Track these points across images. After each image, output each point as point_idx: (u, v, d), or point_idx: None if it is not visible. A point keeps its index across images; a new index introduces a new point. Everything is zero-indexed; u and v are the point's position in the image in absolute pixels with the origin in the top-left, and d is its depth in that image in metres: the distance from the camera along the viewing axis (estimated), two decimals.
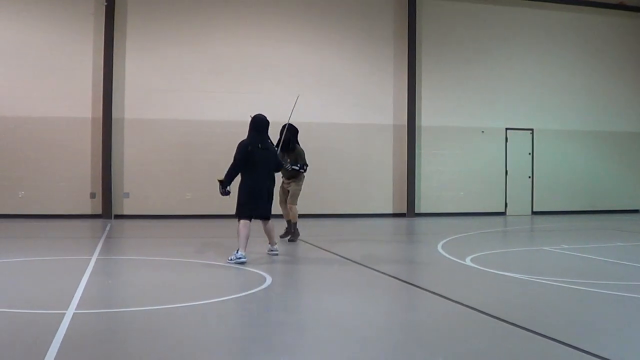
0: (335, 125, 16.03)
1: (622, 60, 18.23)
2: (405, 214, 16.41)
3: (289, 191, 10.40)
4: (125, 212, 14.88)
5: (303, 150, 10.35)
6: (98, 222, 13.97)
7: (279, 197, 10.40)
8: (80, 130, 14.68)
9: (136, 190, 14.96)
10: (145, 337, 4.59)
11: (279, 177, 9.96)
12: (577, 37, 17.85)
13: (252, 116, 8.62)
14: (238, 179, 8.41)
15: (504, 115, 17.19)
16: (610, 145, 18.10)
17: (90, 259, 8.25)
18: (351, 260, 8.44)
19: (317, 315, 5.36)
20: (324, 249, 9.62)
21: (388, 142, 16.46)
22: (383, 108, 16.41)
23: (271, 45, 15.69)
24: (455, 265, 8.18)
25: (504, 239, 12.51)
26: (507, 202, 17.27)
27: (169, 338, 4.54)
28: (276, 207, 9.37)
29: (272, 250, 8.76)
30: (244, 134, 8.76)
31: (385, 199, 16.44)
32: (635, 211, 18.04)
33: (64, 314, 5.04)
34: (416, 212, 16.44)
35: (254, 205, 8.27)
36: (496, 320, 5.10)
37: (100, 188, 14.68)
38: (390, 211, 16.44)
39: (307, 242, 10.45)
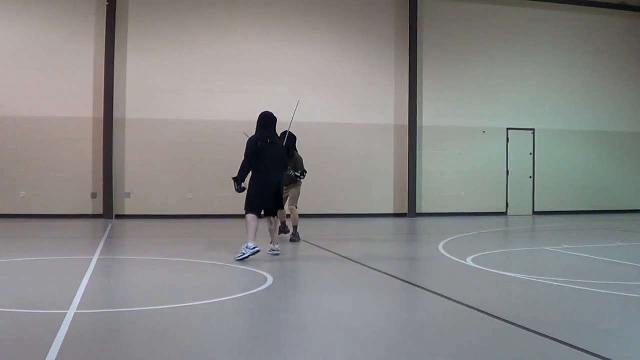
0: (336, 125, 16.03)
1: (623, 60, 18.22)
2: (406, 214, 16.41)
3: (287, 197, 10.42)
4: (127, 212, 14.90)
5: (301, 158, 10.44)
6: (99, 222, 13.98)
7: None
8: (81, 130, 14.69)
9: (137, 190, 14.97)
10: (147, 337, 4.59)
11: None
12: (578, 37, 17.85)
13: (260, 113, 8.74)
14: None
15: (505, 116, 17.19)
16: (612, 145, 18.09)
17: (92, 259, 8.25)
18: (352, 260, 8.44)
19: (318, 315, 5.36)
20: (325, 249, 9.62)
21: (389, 142, 16.46)
22: (384, 108, 16.41)
23: (272, 45, 15.70)
24: (457, 265, 8.18)
25: (505, 239, 12.50)
26: (509, 202, 17.26)
27: (170, 338, 4.54)
28: None
29: (273, 250, 8.78)
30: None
31: (386, 199, 16.44)
32: (637, 211, 18.02)
33: (65, 314, 5.04)
34: (417, 212, 16.44)
35: (265, 199, 8.44)
36: (497, 320, 5.10)
37: (102, 188, 14.70)
38: (391, 211, 16.45)
39: (308, 242, 10.45)
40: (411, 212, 16.39)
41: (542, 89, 17.45)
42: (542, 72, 17.45)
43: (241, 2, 15.64)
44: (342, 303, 5.79)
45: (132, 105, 14.95)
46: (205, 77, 15.34)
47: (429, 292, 6.40)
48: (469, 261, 8.34)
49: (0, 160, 14.29)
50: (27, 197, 14.42)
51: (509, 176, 17.27)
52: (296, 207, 10.48)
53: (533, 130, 17.46)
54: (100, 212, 14.73)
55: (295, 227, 10.55)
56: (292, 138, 10.29)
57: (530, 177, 17.46)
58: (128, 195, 14.95)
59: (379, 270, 7.60)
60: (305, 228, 11.47)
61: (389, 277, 7.29)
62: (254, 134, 8.54)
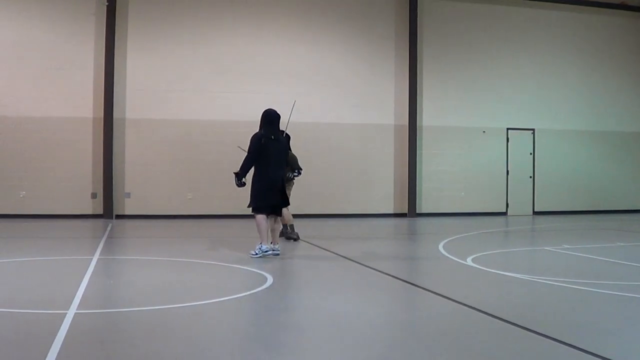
0: (336, 125, 16.03)
1: (623, 60, 18.22)
2: (406, 214, 16.41)
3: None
4: (127, 212, 14.90)
5: (295, 156, 10.47)
6: (99, 222, 13.98)
7: None
8: (81, 130, 14.69)
9: (137, 190, 14.97)
10: (146, 337, 4.59)
11: None
12: (578, 37, 17.84)
13: (264, 110, 8.83)
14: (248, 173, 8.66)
15: (505, 115, 17.19)
16: (612, 145, 18.09)
17: (92, 259, 8.25)
18: (352, 260, 8.44)
19: (318, 315, 5.35)
20: (325, 249, 9.62)
21: (389, 142, 16.46)
22: (384, 108, 16.41)
23: (272, 45, 15.69)
24: (457, 265, 8.18)
25: (505, 239, 12.50)
26: (509, 202, 17.26)
27: (170, 338, 4.54)
28: None
29: (273, 250, 8.78)
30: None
31: (386, 199, 16.44)
32: (637, 211, 18.02)
33: (65, 314, 5.04)
34: (417, 212, 16.44)
35: (269, 195, 8.54)
36: (497, 320, 5.10)
37: (102, 188, 14.70)
38: (391, 211, 16.44)
39: (308, 242, 10.45)
40: (411, 212, 16.39)
41: (542, 89, 17.45)
42: (542, 72, 17.45)
43: (241, 2, 15.64)
44: (342, 303, 5.79)
45: (132, 105, 14.95)
46: (205, 77, 15.34)
47: (429, 292, 6.40)
48: (469, 261, 8.33)
49: (0, 160, 14.29)
50: (27, 197, 14.42)
51: (509, 176, 17.27)
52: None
53: (533, 130, 17.46)
54: (100, 212, 14.73)
55: (291, 227, 10.58)
56: (287, 137, 10.33)
57: (530, 177, 17.46)
58: (128, 195, 14.95)
59: (379, 270, 7.60)
60: (305, 228, 11.47)
61: (389, 277, 7.29)
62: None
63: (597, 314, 5.44)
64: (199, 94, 15.27)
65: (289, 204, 9.41)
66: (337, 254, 9.09)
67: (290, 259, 8.72)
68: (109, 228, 12.70)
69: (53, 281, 6.85)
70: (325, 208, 15.79)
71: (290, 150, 10.51)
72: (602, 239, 11.52)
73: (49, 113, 14.49)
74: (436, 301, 6.00)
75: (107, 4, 14.58)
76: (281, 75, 15.61)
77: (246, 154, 8.60)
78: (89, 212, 14.73)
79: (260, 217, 8.51)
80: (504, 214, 17.17)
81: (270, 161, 8.54)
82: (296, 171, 10.31)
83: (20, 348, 4.20)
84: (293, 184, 10.63)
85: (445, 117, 16.77)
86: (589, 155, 17.91)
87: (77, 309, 5.24)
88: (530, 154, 17.47)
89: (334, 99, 16.06)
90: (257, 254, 8.51)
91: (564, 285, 6.65)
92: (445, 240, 10.74)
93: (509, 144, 17.28)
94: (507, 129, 17.25)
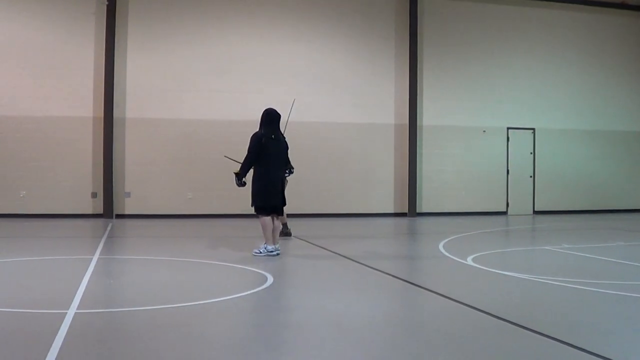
0: (336, 124, 16.03)
1: (623, 59, 18.22)
2: (406, 213, 16.41)
3: None
4: (127, 212, 14.90)
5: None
6: (99, 222, 13.98)
7: None
8: (81, 130, 14.69)
9: (137, 190, 14.97)
10: (147, 336, 4.59)
11: None
12: (579, 36, 17.84)
13: (264, 110, 8.85)
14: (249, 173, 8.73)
15: (505, 115, 17.18)
16: (612, 145, 18.09)
17: (92, 258, 8.25)
18: (352, 260, 8.44)
19: (318, 315, 5.35)
20: (325, 249, 9.62)
21: (389, 141, 16.46)
22: (384, 107, 16.41)
23: (272, 45, 15.69)
24: (457, 265, 8.18)
25: (506, 239, 12.50)
26: (509, 201, 17.26)
27: (170, 337, 4.54)
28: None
29: (276, 250, 8.79)
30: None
31: (386, 198, 16.44)
32: (637, 210, 18.02)
33: (65, 313, 5.04)
34: (417, 211, 16.44)
35: (271, 195, 8.60)
36: (497, 319, 5.10)
37: (102, 188, 14.69)
38: (391, 210, 16.44)
39: (308, 242, 10.46)
40: (411, 211, 16.39)
41: (543, 88, 17.45)
42: (542, 71, 17.45)
43: (241, 2, 15.63)
44: (342, 303, 5.78)
45: (132, 105, 14.95)
46: (206, 77, 15.33)
47: (429, 292, 6.40)
48: (469, 261, 8.33)
49: (0, 160, 14.29)
50: (27, 196, 14.42)
51: (509, 175, 17.27)
52: None
53: (533, 129, 17.46)
54: (101, 211, 14.72)
55: (285, 225, 10.63)
56: None
57: (531, 177, 17.46)
58: (128, 194, 14.95)
59: (379, 270, 7.60)
60: (305, 228, 11.48)
61: (389, 276, 7.29)
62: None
63: (597, 314, 5.44)
64: (199, 94, 15.27)
65: (285, 204, 9.42)
66: (337, 253, 9.09)
67: (291, 259, 8.72)
68: (109, 228, 12.71)
69: (53, 281, 6.85)
70: (325, 208, 15.79)
71: None
72: (602, 239, 11.52)
73: (49, 113, 14.48)
74: (436, 301, 6.00)
75: (107, 3, 14.57)
76: (281, 75, 15.60)
77: (234, 161, 8.64)
78: (89, 211, 14.73)
79: (266, 219, 8.56)
80: (504, 213, 17.17)
81: (270, 161, 8.56)
82: (288, 171, 10.28)
83: (21, 348, 4.20)
84: (287, 182, 10.62)
85: (446, 116, 16.76)
86: (589, 155, 17.91)
87: (77, 309, 5.24)
88: (531, 153, 17.47)
89: (334, 99, 16.05)
90: (260, 252, 8.55)
91: (564, 285, 6.65)
92: (446, 240, 10.74)
93: (509, 143, 17.28)
94: (508, 128, 17.25)
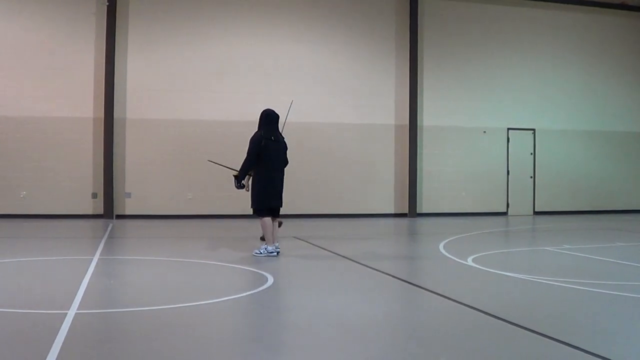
0: (336, 125, 16.03)
1: (623, 60, 18.22)
2: (406, 214, 16.41)
3: None
4: (127, 212, 14.90)
5: None
6: (99, 222, 13.99)
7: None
8: (81, 130, 14.69)
9: (138, 191, 14.97)
10: (147, 337, 4.59)
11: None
12: (579, 37, 17.85)
13: (262, 110, 8.85)
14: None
15: (505, 115, 17.19)
16: (612, 145, 18.09)
17: (92, 259, 8.26)
18: (353, 260, 8.45)
19: (318, 316, 5.35)
20: (325, 249, 9.63)
21: (390, 142, 16.46)
22: (385, 108, 16.41)
23: (272, 46, 15.69)
24: (457, 265, 8.18)
25: (506, 239, 12.50)
26: (509, 202, 17.26)
27: (171, 338, 4.54)
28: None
29: (276, 250, 8.81)
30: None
31: (386, 198, 16.44)
32: (637, 211, 18.01)
33: (66, 314, 5.05)
34: (418, 212, 16.44)
35: (271, 197, 8.62)
36: (497, 320, 5.10)
37: (102, 188, 14.69)
38: (391, 211, 16.44)
39: (308, 242, 10.46)
40: (411, 212, 16.39)
41: (543, 89, 17.45)
42: (543, 71, 17.45)
43: (241, 3, 15.64)
44: (342, 303, 5.79)
45: (132, 105, 14.95)
46: (206, 77, 15.34)
47: (429, 292, 6.40)
48: (469, 261, 8.34)
49: (0, 160, 14.30)
50: (27, 197, 14.43)
51: (509, 176, 17.27)
52: None
53: (533, 130, 17.46)
54: (101, 212, 14.73)
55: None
56: None
57: (531, 177, 17.46)
58: (128, 195, 14.95)
59: (379, 270, 7.60)
60: (305, 228, 11.48)
61: (389, 276, 7.29)
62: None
63: (597, 314, 5.44)
64: (199, 94, 15.27)
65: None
66: (337, 253, 9.09)
67: (291, 259, 8.72)
68: (109, 228, 12.71)
69: (53, 281, 6.86)
70: (325, 208, 15.80)
71: None
72: (603, 239, 11.52)
73: (49, 113, 14.49)
74: (436, 301, 6.00)
75: (107, 4, 14.58)
76: (282, 76, 15.60)
77: (219, 165, 8.65)
78: (90, 212, 14.74)
79: (266, 220, 8.57)
80: (505, 214, 17.16)
81: (271, 162, 8.56)
82: None
83: (21, 348, 4.20)
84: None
85: (446, 117, 16.76)
86: (589, 155, 17.91)
87: (77, 309, 5.25)
88: (531, 154, 17.47)
89: (335, 99, 16.05)
90: (261, 253, 8.58)
91: (564, 285, 6.65)
92: (446, 240, 10.74)
93: (509, 144, 17.28)
94: (508, 129, 17.25)
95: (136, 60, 14.96)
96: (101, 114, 14.68)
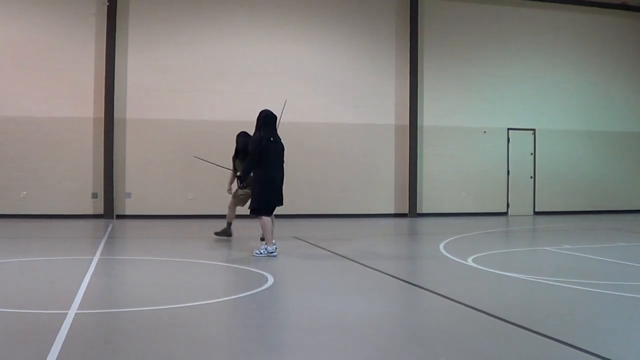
0: (336, 125, 16.03)
1: (623, 60, 18.21)
2: (407, 214, 16.41)
3: (241, 198, 10.47)
4: (127, 212, 14.90)
5: None
6: (100, 222, 13.99)
7: (229, 201, 10.74)
8: (82, 131, 14.69)
9: (138, 191, 14.97)
10: (147, 337, 4.60)
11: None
12: (579, 37, 17.84)
13: (261, 111, 8.86)
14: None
15: (505, 116, 17.18)
16: (613, 145, 18.08)
17: (92, 259, 8.26)
18: (352, 260, 8.45)
19: (318, 315, 5.36)
20: (325, 249, 9.63)
21: (390, 142, 16.46)
22: (385, 108, 16.41)
23: (272, 46, 15.69)
24: (457, 265, 8.18)
25: (506, 239, 12.50)
26: (509, 202, 17.26)
27: (171, 338, 4.54)
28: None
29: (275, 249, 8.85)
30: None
31: (387, 199, 16.44)
32: (638, 211, 18.01)
33: (66, 314, 5.05)
34: (418, 212, 16.44)
35: (273, 197, 8.64)
36: (497, 320, 5.10)
37: (102, 188, 14.69)
38: (392, 211, 16.44)
39: (308, 242, 10.46)
40: (412, 212, 16.39)
41: (543, 89, 17.45)
42: (543, 71, 17.44)
43: (241, 3, 15.64)
44: (342, 303, 5.79)
45: (132, 105, 14.95)
46: (205, 77, 15.33)
47: (429, 292, 6.40)
48: (469, 261, 8.34)
49: (0, 160, 14.30)
50: (27, 197, 14.43)
51: (509, 176, 17.27)
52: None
53: (534, 130, 17.45)
54: (101, 212, 14.73)
55: (229, 224, 10.69)
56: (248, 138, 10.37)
57: (531, 177, 17.45)
58: (128, 195, 14.95)
59: (379, 270, 7.60)
60: (305, 228, 11.48)
61: (389, 277, 7.29)
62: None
63: (597, 314, 5.44)
64: (199, 94, 15.27)
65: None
66: (337, 254, 9.09)
67: (291, 259, 8.72)
68: (109, 228, 12.71)
69: (54, 281, 6.86)
70: (325, 208, 15.79)
71: None
72: (603, 239, 11.52)
73: (50, 113, 14.49)
74: (436, 301, 6.00)
75: (107, 4, 14.58)
76: (282, 76, 15.60)
77: (205, 161, 8.66)
78: (90, 212, 14.73)
79: (266, 220, 8.59)
80: (505, 214, 17.16)
81: (270, 163, 8.58)
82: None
83: (21, 348, 4.20)
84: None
85: (446, 117, 16.76)
86: (589, 155, 17.90)
87: (77, 309, 5.25)
88: (531, 154, 17.47)
89: (335, 99, 16.05)
90: (261, 253, 8.59)
91: (563, 285, 6.65)
92: (446, 241, 10.74)
93: (509, 144, 17.27)
94: (508, 129, 17.24)
95: (136, 60, 14.96)
96: (101, 114, 14.68)
